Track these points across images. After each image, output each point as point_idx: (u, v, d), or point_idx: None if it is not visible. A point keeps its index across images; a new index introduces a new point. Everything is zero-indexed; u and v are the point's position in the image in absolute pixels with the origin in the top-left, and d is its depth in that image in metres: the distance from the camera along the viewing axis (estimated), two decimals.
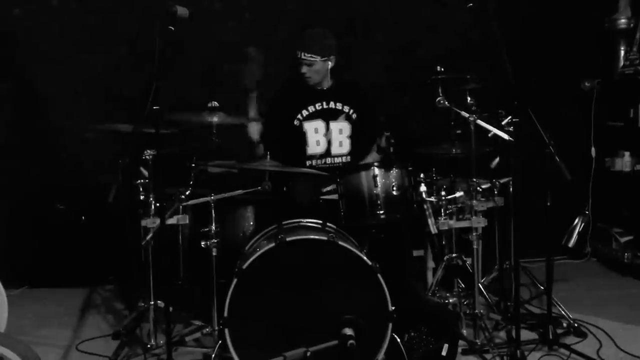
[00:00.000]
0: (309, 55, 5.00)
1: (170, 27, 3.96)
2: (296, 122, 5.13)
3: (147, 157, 4.48)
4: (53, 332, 4.97)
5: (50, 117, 6.00)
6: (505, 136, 4.41)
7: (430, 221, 4.66)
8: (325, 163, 5.16)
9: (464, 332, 4.63)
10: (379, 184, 4.43)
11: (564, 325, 4.76)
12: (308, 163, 5.13)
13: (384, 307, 3.93)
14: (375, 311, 3.92)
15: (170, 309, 4.08)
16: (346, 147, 5.19)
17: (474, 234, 4.53)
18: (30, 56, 5.93)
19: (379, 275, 3.93)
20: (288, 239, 3.95)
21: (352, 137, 5.20)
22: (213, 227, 4.38)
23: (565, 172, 4.23)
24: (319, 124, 5.15)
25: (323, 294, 3.95)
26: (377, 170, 4.46)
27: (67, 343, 4.75)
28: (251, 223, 4.84)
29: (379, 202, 4.43)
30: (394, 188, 4.45)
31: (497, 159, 5.00)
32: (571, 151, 5.40)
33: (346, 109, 5.18)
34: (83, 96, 5.96)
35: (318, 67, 5.04)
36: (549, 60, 6.33)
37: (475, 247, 4.54)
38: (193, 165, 4.60)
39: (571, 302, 5.02)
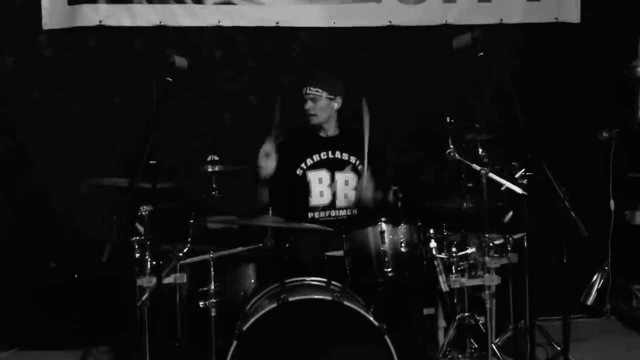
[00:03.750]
0: (314, 89, 4.89)
1: (168, 79, 3.83)
2: (299, 172, 4.97)
3: (143, 212, 4.28)
4: None
5: (41, 170, 5.78)
6: (519, 190, 4.23)
7: (441, 278, 4.43)
8: (329, 216, 4.97)
9: None
10: (386, 240, 4.26)
11: None
12: (310, 215, 4.95)
13: None
14: None
15: None
16: (352, 199, 5.01)
17: (486, 292, 4.31)
18: (21, 106, 5.75)
19: (386, 337, 3.75)
20: (290, 299, 3.78)
21: (358, 189, 5.01)
22: (212, 286, 4.17)
23: (581, 228, 4.03)
24: (324, 174, 4.99)
25: (328, 357, 3.77)
26: (384, 226, 4.29)
27: None
28: (252, 281, 4.59)
29: (386, 259, 4.25)
30: (402, 244, 4.27)
31: (511, 214, 4.83)
32: (589, 204, 5.19)
33: (352, 159, 5.02)
34: (76, 148, 5.78)
35: (323, 105, 4.91)
36: (564, 108, 6.16)
37: (488, 305, 4.32)
38: (191, 221, 4.40)
39: None
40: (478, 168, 4.33)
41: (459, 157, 4.44)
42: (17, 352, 5.68)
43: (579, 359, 4.72)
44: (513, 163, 4.48)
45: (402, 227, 4.31)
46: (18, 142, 5.79)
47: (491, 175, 4.30)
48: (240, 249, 4.30)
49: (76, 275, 5.64)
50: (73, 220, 5.75)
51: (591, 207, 5.50)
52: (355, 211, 5.02)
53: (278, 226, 4.35)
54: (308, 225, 4.51)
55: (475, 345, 4.61)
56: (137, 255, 4.29)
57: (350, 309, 3.78)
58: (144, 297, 4.18)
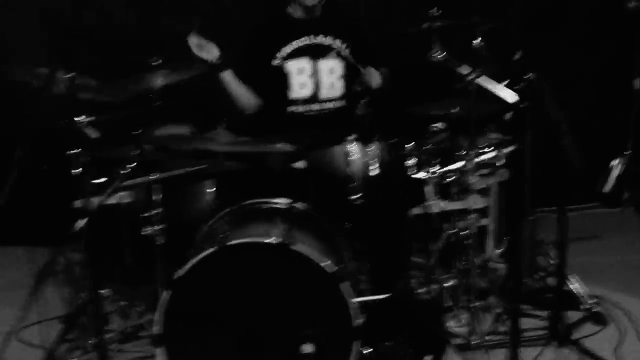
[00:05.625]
0: None
1: None
2: (276, 62, 4.41)
3: (82, 122, 3.78)
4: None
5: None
6: (510, 97, 3.62)
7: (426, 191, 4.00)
8: (311, 110, 4.46)
9: (463, 320, 4.00)
10: (354, 161, 3.75)
11: (581, 307, 4.06)
12: (290, 109, 4.45)
13: (347, 323, 3.31)
14: (339, 326, 3.31)
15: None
16: (338, 89, 4.48)
17: (471, 215, 3.93)
18: None
19: (341, 286, 3.28)
20: (229, 243, 3.28)
21: (346, 76, 4.48)
22: (156, 211, 3.74)
23: (575, 160, 3.47)
24: (305, 64, 4.43)
25: (278, 306, 3.33)
26: (352, 145, 3.76)
27: (7, 329, 4.10)
28: (212, 199, 4.04)
29: (353, 184, 3.75)
30: (373, 165, 3.76)
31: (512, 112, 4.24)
32: (611, 83, 4.82)
33: (337, 43, 4.46)
34: (38, 37, 5.31)
35: None
36: None
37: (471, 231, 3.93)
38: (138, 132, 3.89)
39: (597, 268, 4.54)
40: (465, 72, 3.75)
41: (443, 58, 3.83)
42: None
43: (585, 264, 4.32)
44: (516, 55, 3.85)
45: (374, 145, 3.79)
46: None
47: (479, 81, 3.71)
48: (184, 170, 3.84)
49: (45, 167, 5.26)
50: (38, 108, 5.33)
51: (613, 86, 5.12)
52: (344, 102, 4.50)
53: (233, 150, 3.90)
54: (261, 148, 4.00)
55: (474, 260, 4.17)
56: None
57: (298, 254, 3.29)
58: (82, 222, 3.76)
